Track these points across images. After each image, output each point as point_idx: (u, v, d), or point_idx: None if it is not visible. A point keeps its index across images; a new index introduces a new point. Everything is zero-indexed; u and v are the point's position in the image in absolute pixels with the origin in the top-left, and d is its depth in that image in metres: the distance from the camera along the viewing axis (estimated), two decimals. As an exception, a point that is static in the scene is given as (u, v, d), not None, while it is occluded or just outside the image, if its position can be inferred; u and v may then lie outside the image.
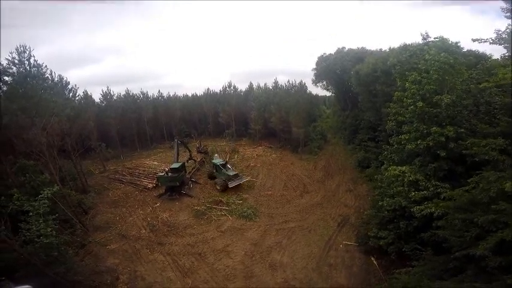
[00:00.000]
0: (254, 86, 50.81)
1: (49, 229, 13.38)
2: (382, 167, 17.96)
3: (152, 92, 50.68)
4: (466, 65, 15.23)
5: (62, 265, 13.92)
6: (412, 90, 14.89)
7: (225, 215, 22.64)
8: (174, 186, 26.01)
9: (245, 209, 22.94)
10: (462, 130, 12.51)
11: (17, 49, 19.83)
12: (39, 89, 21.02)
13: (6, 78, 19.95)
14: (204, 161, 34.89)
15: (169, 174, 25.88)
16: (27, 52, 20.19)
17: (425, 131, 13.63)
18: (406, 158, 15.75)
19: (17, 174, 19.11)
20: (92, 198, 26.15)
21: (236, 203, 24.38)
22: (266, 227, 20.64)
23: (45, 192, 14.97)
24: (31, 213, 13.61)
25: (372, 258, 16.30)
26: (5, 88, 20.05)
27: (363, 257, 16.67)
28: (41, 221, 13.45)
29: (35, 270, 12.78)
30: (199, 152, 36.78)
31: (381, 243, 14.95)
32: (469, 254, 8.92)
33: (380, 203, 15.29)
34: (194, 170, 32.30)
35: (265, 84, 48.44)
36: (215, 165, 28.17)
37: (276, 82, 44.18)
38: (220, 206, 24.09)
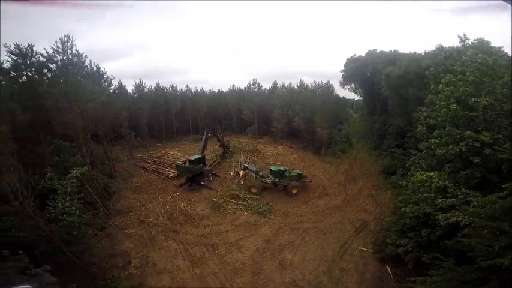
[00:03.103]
0: (278, 85, 50.72)
1: (73, 208, 14.07)
2: (409, 173, 17.06)
3: (181, 87, 52.24)
4: (508, 68, 13.88)
5: (79, 245, 14.48)
6: (446, 93, 14.04)
7: (241, 209, 22.75)
8: (194, 177, 26.65)
9: (261, 206, 22.89)
10: (500, 136, 11.39)
11: (61, 39, 21.42)
12: (78, 77, 22.50)
13: (51, 65, 21.60)
14: (225, 155, 35.35)
15: (187, 164, 26.53)
16: (70, 42, 21.76)
17: (458, 136, 12.67)
18: (435, 164, 14.87)
19: (52, 155, 20.60)
20: (118, 183, 27.53)
21: (252, 198, 24.38)
22: (280, 225, 20.42)
23: (75, 171, 15.84)
24: (59, 191, 14.37)
25: (387, 267, 15.70)
26: (49, 75, 21.74)
27: (377, 264, 16.09)
28: (67, 199, 14.19)
29: (54, 248, 13.39)
30: (221, 145, 37.34)
31: (399, 251, 14.33)
32: (496, 264, 8.22)
33: (403, 209, 14.62)
34: (215, 163, 32.90)
35: (290, 83, 48.10)
36: (276, 172, 25.64)
37: (301, 82, 43.57)
38: (237, 200, 24.25)
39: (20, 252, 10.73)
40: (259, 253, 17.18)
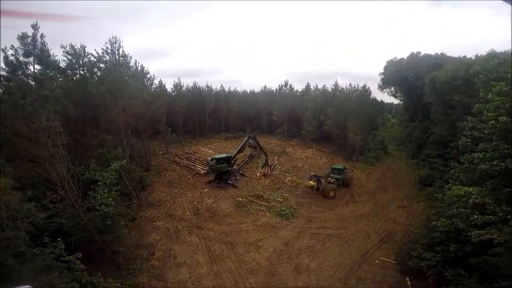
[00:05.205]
0: (311, 87, 49.78)
1: (110, 199, 14.98)
2: (446, 186, 15.87)
3: (215, 86, 53.84)
4: None
5: (111, 234, 15.32)
6: (496, 103, 12.73)
7: (263, 210, 22.92)
8: (221, 175, 27.46)
9: (284, 208, 22.83)
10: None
11: (110, 40, 23.32)
12: (124, 76, 24.26)
13: (101, 65, 23.79)
14: (253, 155, 35.70)
15: (213, 162, 27.35)
16: (118, 43, 23.61)
17: (506, 151, 11.52)
18: (476, 179, 13.71)
19: (97, 147, 22.58)
20: (152, 176, 29.10)
21: (276, 200, 24.42)
22: (301, 229, 20.19)
23: (115, 164, 17.09)
24: (99, 183, 15.44)
25: (407, 279, 15.14)
26: (99, 73, 23.95)
27: (397, 276, 15.55)
28: (105, 191, 15.22)
29: (87, 236, 14.35)
30: (250, 146, 37.80)
31: (422, 264, 13.99)
32: None
33: (434, 223, 14.03)
34: (243, 162, 33.49)
35: (324, 85, 46.86)
36: (340, 170, 27.71)
37: (336, 84, 42.28)
38: (261, 201, 24.44)
39: (59, 239, 11.83)
40: (276, 255, 17.18)
